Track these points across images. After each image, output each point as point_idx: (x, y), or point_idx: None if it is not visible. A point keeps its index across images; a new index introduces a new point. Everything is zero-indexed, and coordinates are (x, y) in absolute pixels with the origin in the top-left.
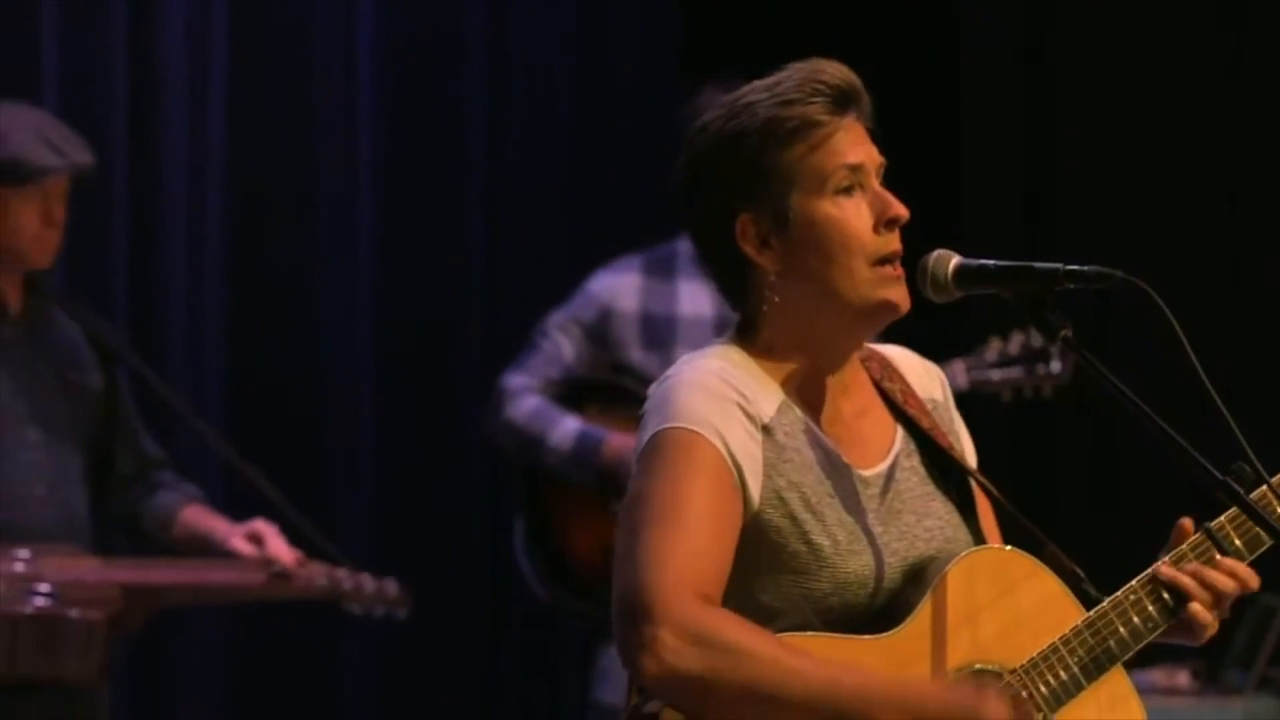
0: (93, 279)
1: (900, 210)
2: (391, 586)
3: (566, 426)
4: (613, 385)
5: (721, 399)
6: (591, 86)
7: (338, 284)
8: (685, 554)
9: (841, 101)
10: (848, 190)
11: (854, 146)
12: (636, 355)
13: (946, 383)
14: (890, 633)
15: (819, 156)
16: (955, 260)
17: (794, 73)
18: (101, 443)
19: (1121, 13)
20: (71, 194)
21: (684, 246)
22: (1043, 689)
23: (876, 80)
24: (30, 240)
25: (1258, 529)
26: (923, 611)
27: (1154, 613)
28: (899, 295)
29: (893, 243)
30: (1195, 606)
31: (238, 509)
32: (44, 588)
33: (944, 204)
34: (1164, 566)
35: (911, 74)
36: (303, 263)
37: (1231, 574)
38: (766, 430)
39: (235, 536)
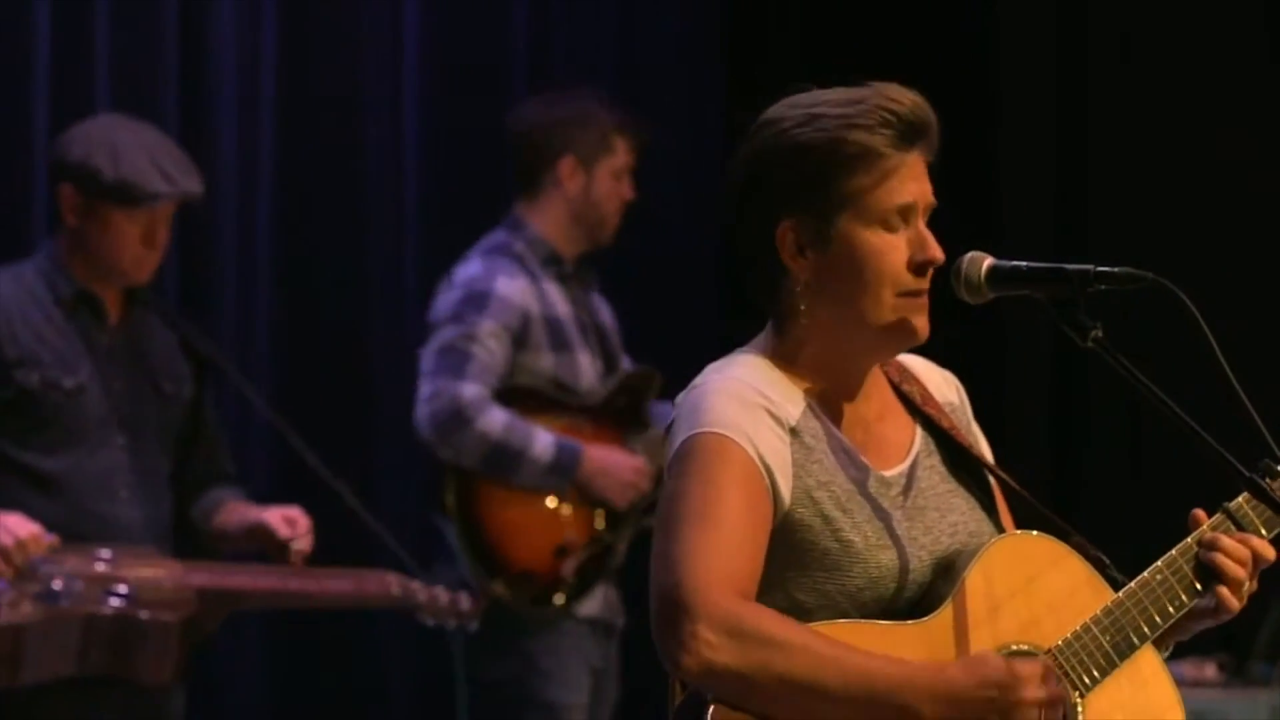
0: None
1: (937, 255)
2: (464, 600)
3: (543, 439)
4: (524, 389)
5: (749, 404)
6: (632, 95)
7: (385, 281)
8: (720, 552)
9: (909, 135)
10: (891, 226)
11: (910, 184)
12: (548, 359)
13: (961, 388)
14: (926, 618)
15: (876, 190)
16: (988, 262)
17: (870, 95)
18: (183, 449)
19: (1156, 13)
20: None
21: (518, 245)
22: (1077, 668)
23: (914, 81)
24: (130, 260)
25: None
26: (956, 598)
27: (1180, 591)
28: (921, 324)
29: (923, 283)
30: (1226, 571)
31: (321, 521)
32: (121, 589)
33: (980, 204)
34: (1201, 551)
35: (950, 76)
36: (350, 263)
37: (1252, 548)
38: (794, 432)
39: (273, 513)
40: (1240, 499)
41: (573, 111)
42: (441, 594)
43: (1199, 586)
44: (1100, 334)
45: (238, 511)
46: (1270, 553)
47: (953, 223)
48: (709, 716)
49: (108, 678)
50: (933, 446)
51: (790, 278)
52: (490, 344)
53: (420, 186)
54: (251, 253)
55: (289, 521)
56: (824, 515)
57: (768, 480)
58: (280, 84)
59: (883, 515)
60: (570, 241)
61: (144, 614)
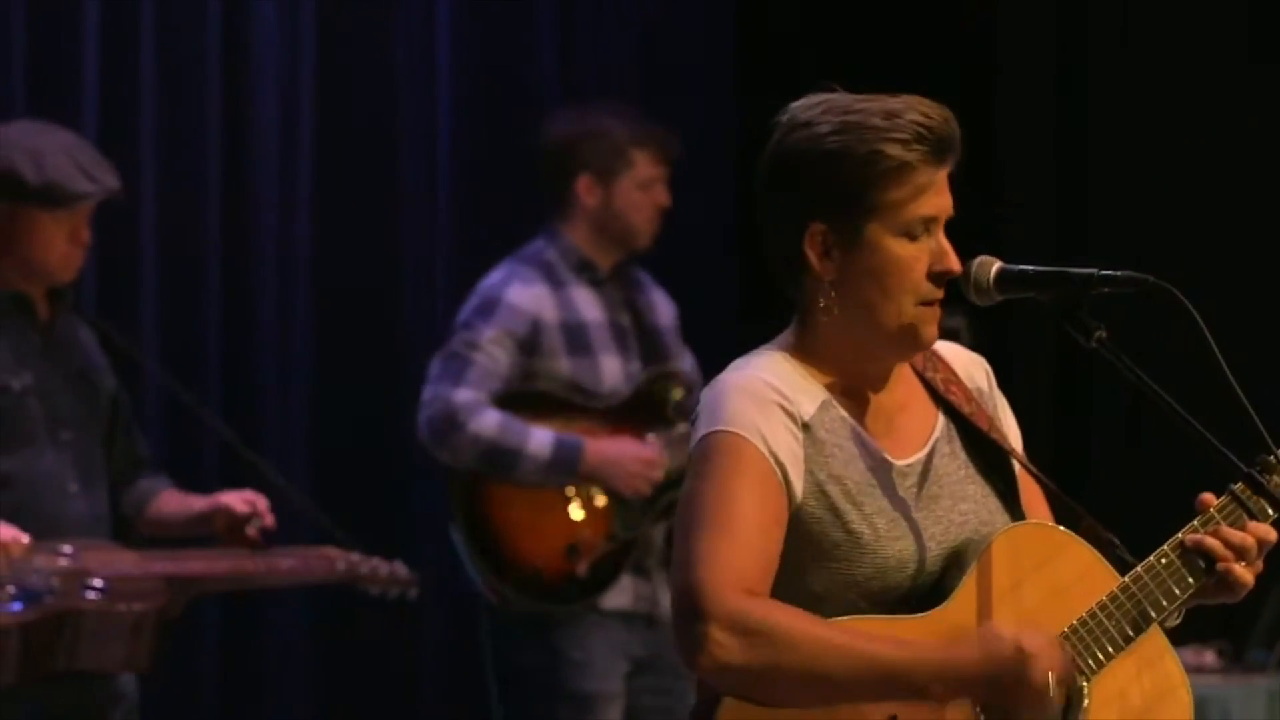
0: (185, 281)
1: (955, 267)
2: (401, 569)
3: (540, 436)
4: (538, 393)
5: (764, 401)
6: (657, 93)
7: (419, 288)
8: (731, 553)
9: (940, 150)
10: (914, 235)
11: (936, 199)
12: (565, 363)
13: (990, 372)
14: (935, 609)
15: (906, 203)
16: (997, 266)
17: (905, 109)
18: (108, 442)
19: (1157, 12)
20: (100, 210)
21: (550, 253)
22: (1083, 653)
23: (916, 84)
24: (58, 259)
25: None
26: (965, 587)
27: (1187, 574)
28: (931, 333)
29: (939, 292)
30: (1224, 565)
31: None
32: (97, 582)
33: (981, 207)
34: (1189, 535)
35: (950, 79)
36: (386, 269)
37: (1254, 534)
38: (806, 428)
39: (230, 495)
40: (1243, 485)
41: (587, 128)
42: (381, 565)
43: (1205, 567)
44: (1104, 334)
45: (177, 500)
46: (1272, 536)
47: (954, 226)
48: (720, 711)
49: (83, 672)
50: (953, 433)
51: (815, 277)
52: (492, 350)
53: (453, 188)
54: (292, 262)
55: (247, 501)
56: (833, 508)
57: (780, 476)
58: (319, 89)
59: (899, 505)
60: (602, 250)
61: (123, 606)
